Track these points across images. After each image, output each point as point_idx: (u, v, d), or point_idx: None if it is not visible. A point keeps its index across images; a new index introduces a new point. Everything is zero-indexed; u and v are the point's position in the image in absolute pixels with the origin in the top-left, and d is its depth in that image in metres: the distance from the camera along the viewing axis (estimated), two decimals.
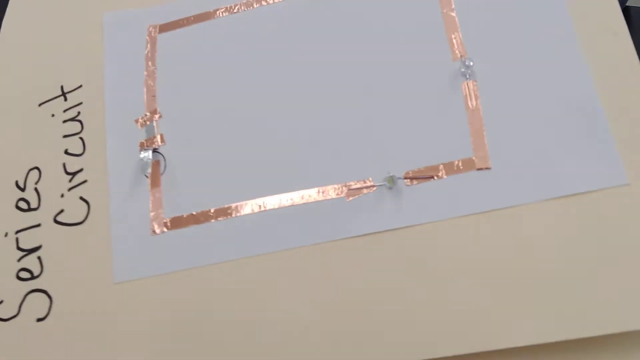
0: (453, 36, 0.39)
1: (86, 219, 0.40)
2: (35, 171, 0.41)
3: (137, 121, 0.41)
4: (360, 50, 0.40)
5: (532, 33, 0.38)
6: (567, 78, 0.37)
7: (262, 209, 0.38)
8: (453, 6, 0.40)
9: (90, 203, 0.40)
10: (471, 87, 0.38)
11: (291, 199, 0.38)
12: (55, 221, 0.40)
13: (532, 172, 0.35)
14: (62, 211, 0.40)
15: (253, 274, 0.36)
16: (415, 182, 0.37)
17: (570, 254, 0.33)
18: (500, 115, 0.37)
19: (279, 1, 0.43)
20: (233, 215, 0.38)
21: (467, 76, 0.38)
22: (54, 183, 0.41)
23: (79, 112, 0.42)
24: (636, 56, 0.36)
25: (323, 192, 0.37)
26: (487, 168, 0.36)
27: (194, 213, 0.38)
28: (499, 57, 0.38)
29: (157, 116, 0.41)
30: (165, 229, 0.38)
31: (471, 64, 0.37)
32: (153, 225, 0.39)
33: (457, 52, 0.39)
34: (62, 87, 0.43)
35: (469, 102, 0.37)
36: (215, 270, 0.37)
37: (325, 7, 0.42)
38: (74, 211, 0.40)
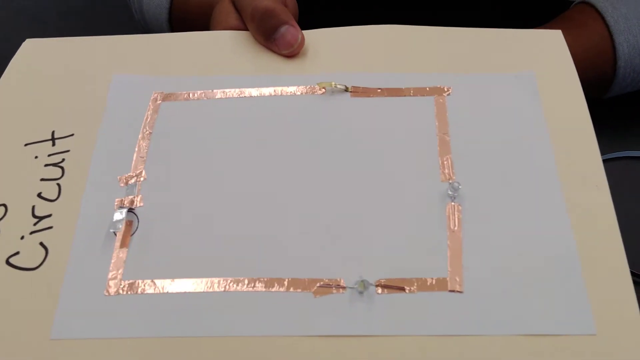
0: (445, 158, 0.41)
1: (40, 265, 0.38)
2: (2, 208, 0.40)
3: (120, 179, 0.41)
4: (351, 152, 0.41)
5: (518, 169, 0.40)
6: (548, 224, 0.38)
7: (226, 289, 0.36)
8: (449, 131, 0.42)
9: (50, 250, 0.38)
10: (455, 209, 0.39)
11: (257, 285, 0.36)
12: (7, 262, 0.38)
13: (503, 304, 0.35)
14: (17, 253, 0.38)
15: (200, 355, 0.34)
16: (386, 291, 0.36)
17: None
18: (480, 243, 0.37)
19: (286, 94, 0.44)
20: (192, 290, 0.36)
21: (453, 199, 0.39)
22: (17, 223, 0.39)
23: (63, 159, 0.42)
24: (613, 210, 0.38)
25: (291, 284, 0.36)
26: (459, 291, 0.36)
27: (154, 282, 0.37)
28: (486, 187, 0.39)
29: (142, 178, 0.41)
30: (121, 292, 0.36)
31: (459, 187, 0.39)
32: (109, 285, 0.37)
33: (446, 173, 0.40)
34: (52, 133, 0.43)
35: (451, 224, 0.38)
36: (166, 344, 0.35)
37: (324, 108, 0.44)
38: (30, 256, 0.38)
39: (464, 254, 0.37)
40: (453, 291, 0.36)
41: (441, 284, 0.36)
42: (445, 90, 0.44)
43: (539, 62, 0.45)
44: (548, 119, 0.42)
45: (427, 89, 0.44)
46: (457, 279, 0.36)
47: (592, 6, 0.56)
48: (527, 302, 0.35)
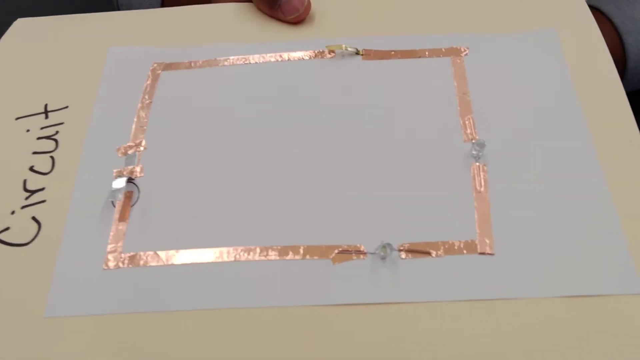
0: (466, 118, 0.38)
1: (33, 240, 0.35)
2: None
3: (118, 149, 0.38)
4: (366, 117, 0.39)
5: (546, 127, 0.37)
6: (581, 180, 0.35)
7: (236, 258, 0.33)
8: (469, 90, 0.39)
9: (43, 225, 0.35)
10: (480, 170, 0.36)
11: (269, 254, 0.33)
12: None
13: (538, 266, 0.32)
14: (7, 229, 0.35)
15: (214, 327, 0.31)
16: (410, 255, 0.33)
17: (570, 356, 0.30)
18: (510, 203, 0.35)
19: (294, 59, 0.42)
20: (199, 260, 0.33)
21: (478, 158, 0.36)
22: (7, 198, 0.36)
23: (57, 132, 0.39)
24: None
25: (307, 252, 0.33)
26: (490, 254, 0.33)
27: (157, 253, 0.34)
28: (511, 145, 0.37)
29: (141, 147, 0.38)
30: (121, 265, 0.33)
31: (484, 145, 0.36)
32: (108, 259, 0.34)
33: (469, 133, 0.37)
34: (45, 106, 0.40)
35: (477, 185, 0.35)
36: (172, 318, 0.32)
37: (334, 72, 0.41)
38: (22, 231, 0.35)
39: (492, 215, 0.34)
40: (483, 254, 0.33)
41: (470, 247, 0.33)
42: (462, 50, 0.41)
43: (559, 19, 0.43)
44: (573, 76, 0.40)
45: (443, 50, 0.41)
46: (487, 241, 0.33)
47: (598, 10, 0.55)
48: (564, 262, 0.32)
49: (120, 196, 0.35)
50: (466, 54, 0.41)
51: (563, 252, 0.33)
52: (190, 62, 0.42)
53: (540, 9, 0.44)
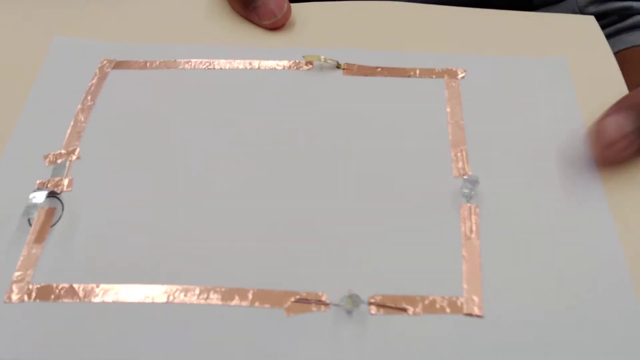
0: (458, 150, 0.33)
1: None
2: None
3: (46, 157, 0.32)
4: (343, 140, 0.33)
5: (550, 165, 0.32)
6: (588, 228, 0.30)
7: (170, 300, 0.27)
8: (464, 118, 0.34)
9: None
10: (472, 211, 0.30)
11: (211, 296, 0.27)
12: None
13: (536, 333, 0.27)
14: None
15: None
16: (382, 311, 0.27)
17: None
18: (505, 254, 0.29)
19: (265, 68, 0.36)
20: (127, 299, 0.27)
21: (469, 198, 0.31)
22: None
23: None
24: None
25: (256, 298, 0.27)
26: (478, 315, 0.27)
27: (73, 286, 0.28)
28: (509, 184, 0.31)
29: (74, 156, 0.32)
30: (26, 298, 0.27)
31: (477, 183, 0.30)
32: (12, 289, 0.27)
33: (460, 168, 0.32)
34: None
35: (467, 230, 0.30)
36: None
37: (310, 86, 0.35)
38: None
39: (483, 268, 0.29)
40: (470, 315, 0.27)
41: (454, 305, 0.27)
42: (459, 72, 0.36)
43: (570, 47, 0.38)
44: (583, 109, 0.34)
45: (437, 70, 0.36)
46: (475, 299, 0.28)
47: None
48: (567, 330, 0.27)
49: (35, 213, 0.29)
50: (463, 77, 0.36)
51: (566, 318, 0.27)
52: (146, 62, 0.36)
53: (551, 33, 0.39)
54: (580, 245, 0.29)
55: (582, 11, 0.49)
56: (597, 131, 0.32)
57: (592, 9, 0.48)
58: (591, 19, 0.39)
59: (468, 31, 0.39)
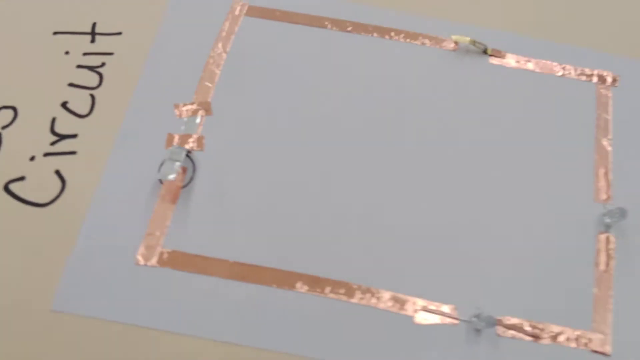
0: (602, 171, 0.31)
1: (52, 202, 0.28)
2: (9, 111, 0.29)
3: (177, 107, 0.30)
4: (478, 137, 0.31)
5: None
6: None
7: (299, 289, 0.27)
8: (610, 134, 0.32)
9: (68, 184, 0.28)
10: (609, 243, 0.29)
11: (337, 290, 0.27)
12: (7, 190, 0.27)
13: None
14: (22, 178, 0.28)
15: None
16: (509, 334, 0.27)
17: None
18: (636, 290, 0.28)
19: (410, 42, 0.34)
20: (255, 281, 0.27)
21: (608, 228, 0.29)
22: (27, 138, 0.29)
23: (103, 63, 0.31)
24: None
25: (390, 298, 0.27)
26: (604, 353, 0.27)
27: (206, 256, 0.27)
28: None
29: (207, 112, 0.30)
30: (156, 264, 0.27)
31: (623, 215, 0.29)
32: (141, 252, 0.27)
33: (602, 192, 0.30)
34: (93, 25, 0.32)
35: (602, 262, 0.29)
36: (197, 345, 0.25)
37: (452, 69, 0.33)
38: (40, 186, 0.28)
39: (615, 305, 0.28)
40: (596, 352, 0.27)
41: (581, 340, 0.27)
42: (612, 78, 0.34)
43: None
44: None
45: (589, 72, 0.34)
46: (603, 336, 0.27)
47: None
48: None
49: (173, 174, 0.28)
50: (615, 85, 0.33)
51: None
52: (285, 13, 0.34)
53: None
54: None
55: None
56: None
57: None
58: None
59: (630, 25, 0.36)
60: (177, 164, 0.28)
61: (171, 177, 0.28)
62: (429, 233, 0.29)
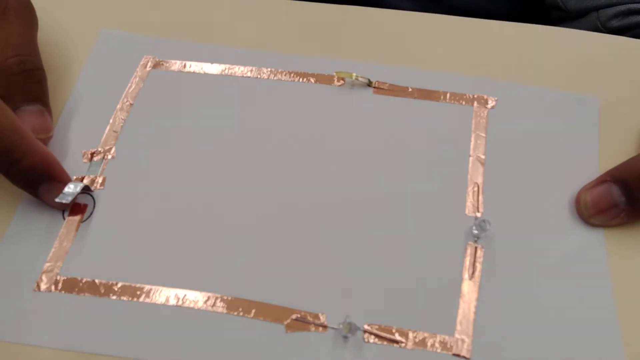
0: (474, 186, 0.33)
1: None
2: None
3: (84, 153, 0.35)
4: (365, 161, 0.34)
5: (566, 217, 0.32)
6: (588, 292, 0.30)
7: (179, 302, 0.30)
8: (485, 152, 0.34)
9: None
10: (477, 252, 0.31)
11: (214, 304, 0.30)
12: None
13: None
14: None
15: None
16: (375, 340, 0.29)
17: None
18: (502, 301, 0.30)
19: (296, 81, 0.37)
20: (141, 299, 0.30)
21: (477, 239, 0.31)
22: None
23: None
24: None
25: (260, 312, 0.30)
26: (465, 357, 0.29)
27: (95, 281, 0.30)
28: (520, 230, 0.32)
29: (110, 155, 0.34)
30: (53, 288, 0.30)
31: (487, 227, 0.31)
32: (41, 279, 0.31)
33: (473, 206, 0.33)
34: None
35: (468, 270, 0.31)
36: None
37: (340, 103, 0.36)
38: None
39: (478, 310, 0.30)
40: (458, 356, 0.29)
41: (444, 345, 0.29)
42: (490, 102, 0.36)
43: (602, 87, 0.37)
44: (603, 157, 0.34)
45: (467, 96, 0.36)
46: (465, 341, 0.29)
47: None
48: None
49: (69, 200, 0.31)
50: (493, 107, 0.36)
51: None
52: (185, 63, 0.38)
53: (585, 70, 0.38)
54: (575, 302, 0.30)
55: (604, 25, 0.47)
56: (581, 200, 0.32)
57: (615, 22, 0.47)
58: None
59: (505, 49, 0.39)
60: (73, 193, 0.32)
61: (68, 199, 0.31)
62: (305, 245, 0.31)
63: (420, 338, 0.29)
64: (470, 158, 0.34)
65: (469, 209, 0.33)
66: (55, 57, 0.38)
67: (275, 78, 0.37)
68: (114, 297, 0.30)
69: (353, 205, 0.33)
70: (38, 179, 0.32)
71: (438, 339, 0.29)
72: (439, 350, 0.29)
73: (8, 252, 0.31)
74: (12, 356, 0.29)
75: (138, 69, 0.38)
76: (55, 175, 0.32)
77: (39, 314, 0.30)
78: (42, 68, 0.34)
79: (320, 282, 0.31)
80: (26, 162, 0.31)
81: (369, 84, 0.37)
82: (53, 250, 0.31)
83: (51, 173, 0.32)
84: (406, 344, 0.29)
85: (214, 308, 0.30)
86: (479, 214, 0.32)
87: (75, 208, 0.33)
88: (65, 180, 0.32)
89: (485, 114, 0.36)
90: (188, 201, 0.33)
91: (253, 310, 0.30)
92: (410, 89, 0.37)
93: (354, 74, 0.37)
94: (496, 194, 0.33)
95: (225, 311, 0.30)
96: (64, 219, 0.32)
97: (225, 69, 0.38)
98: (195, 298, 0.30)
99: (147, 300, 0.30)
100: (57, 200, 0.31)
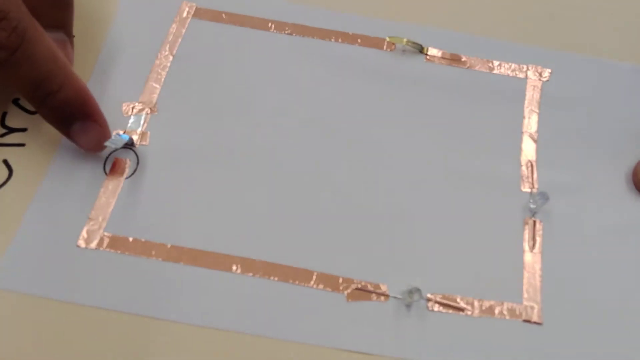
0: (527, 162, 0.33)
1: None
2: None
3: (125, 106, 0.33)
4: (414, 134, 0.33)
5: (624, 188, 0.32)
6: None
7: (234, 270, 0.29)
8: (538, 128, 0.34)
9: (15, 172, 0.30)
10: (536, 226, 0.31)
11: (272, 274, 0.29)
12: None
13: (597, 342, 0.28)
14: None
15: (188, 347, 0.27)
16: (440, 308, 0.29)
17: None
18: (567, 267, 0.30)
19: (358, 46, 0.36)
20: (191, 263, 0.29)
21: (534, 213, 0.31)
22: None
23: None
24: None
25: (319, 280, 0.29)
26: (537, 322, 0.29)
27: (143, 240, 0.29)
28: (577, 202, 0.32)
29: (152, 110, 0.33)
30: (97, 246, 0.29)
31: (545, 200, 0.31)
32: (83, 235, 0.29)
33: (528, 181, 0.32)
34: None
35: (529, 243, 0.31)
36: (142, 324, 0.27)
37: (389, 70, 0.35)
38: None
39: (544, 280, 0.30)
40: (528, 321, 0.29)
41: (513, 312, 0.29)
42: (544, 73, 0.36)
43: None
44: None
45: (522, 67, 0.36)
46: (535, 308, 0.29)
47: None
48: (625, 342, 0.28)
49: (120, 145, 0.30)
50: (547, 79, 0.36)
51: (626, 332, 0.29)
52: (229, 15, 0.36)
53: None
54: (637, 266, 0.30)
55: None
56: (638, 172, 0.32)
57: None
58: None
59: (561, 18, 0.38)
60: (117, 146, 0.30)
61: (114, 145, 0.30)
62: (363, 217, 0.31)
63: (487, 306, 0.29)
64: (523, 135, 0.34)
65: (524, 185, 0.32)
66: (86, 6, 0.36)
67: (320, 38, 0.36)
68: (165, 261, 0.29)
69: (406, 179, 0.32)
70: (73, 116, 0.29)
71: (505, 306, 0.29)
72: (507, 317, 0.28)
73: (46, 205, 0.29)
74: (55, 314, 0.27)
75: (177, 17, 0.36)
76: (92, 113, 0.30)
77: (82, 271, 0.28)
78: None
79: (381, 256, 0.30)
80: (63, 94, 0.29)
81: (421, 51, 0.36)
82: (95, 206, 0.30)
83: (88, 111, 0.30)
84: (472, 312, 0.28)
85: (272, 277, 0.29)
86: (534, 190, 0.32)
87: (117, 164, 0.31)
88: (101, 121, 0.30)
89: (539, 87, 0.36)
90: (239, 162, 0.32)
91: (313, 278, 0.29)
92: (463, 58, 0.36)
93: (405, 40, 0.36)
94: (551, 170, 0.33)
95: (282, 280, 0.29)
96: (106, 174, 0.31)
97: (274, 25, 0.36)
98: (251, 265, 0.29)
99: (200, 265, 0.29)
100: (106, 144, 0.29)
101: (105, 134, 0.30)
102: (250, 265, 0.29)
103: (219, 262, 0.29)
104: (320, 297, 0.28)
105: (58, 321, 0.27)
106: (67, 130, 0.30)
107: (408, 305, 0.29)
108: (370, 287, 0.29)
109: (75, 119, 0.30)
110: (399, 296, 0.29)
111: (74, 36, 0.33)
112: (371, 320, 0.28)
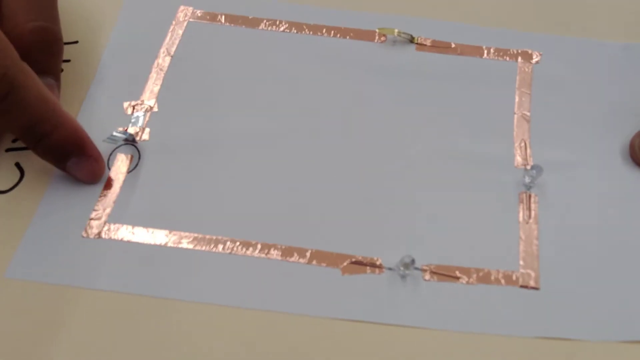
0: (521, 141, 0.34)
1: (11, 189, 0.32)
2: None
3: (127, 105, 0.35)
4: (409, 119, 0.35)
5: (615, 165, 0.34)
6: None
7: (233, 251, 0.31)
8: (530, 108, 0.36)
9: (26, 174, 0.33)
10: (530, 200, 0.32)
11: (271, 252, 0.31)
12: None
13: (593, 304, 0.29)
14: None
15: (194, 323, 0.29)
16: (435, 277, 0.30)
17: None
18: (562, 235, 0.31)
19: (350, 39, 0.39)
20: (191, 246, 0.31)
21: (529, 188, 0.33)
22: None
23: (61, 69, 0.36)
24: None
25: (314, 257, 0.30)
26: (534, 287, 0.29)
27: (144, 229, 0.31)
28: (570, 176, 0.33)
29: (152, 107, 0.35)
30: (102, 236, 0.31)
31: (537, 176, 0.32)
32: (90, 225, 0.31)
33: (521, 159, 0.34)
34: None
35: (525, 216, 0.32)
36: (146, 304, 0.29)
37: (382, 60, 0.38)
38: (1, 176, 0.33)
39: (541, 246, 0.31)
40: (525, 287, 0.29)
41: (510, 279, 0.30)
42: (534, 56, 0.38)
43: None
44: None
45: (512, 51, 0.38)
46: (532, 274, 0.30)
47: None
48: (623, 302, 0.29)
49: (119, 142, 0.32)
50: (537, 62, 0.37)
51: (622, 295, 0.30)
52: (224, 16, 0.39)
53: (633, 18, 0.40)
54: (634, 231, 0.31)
55: None
56: (635, 144, 0.34)
57: None
58: None
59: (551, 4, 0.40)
60: (120, 136, 0.33)
61: (117, 138, 0.33)
62: (359, 198, 0.32)
63: (483, 274, 0.30)
64: (515, 115, 0.35)
65: (517, 162, 0.34)
66: (91, 4, 0.39)
67: (313, 34, 0.39)
68: (163, 244, 0.31)
69: (402, 160, 0.34)
70: (68, 153, 0.31)
71: (502, 273, 0.30)
72: (503, 284, 0.29)
73: (54, 200, 0.32)
74: (60, 298, 0.29)
75: (175, 20, 0.39)
76: (86, 148, 0.32)
77: (89, 259, 0.30)
78: (61, 38, 0.34)
79: (375, 232, 0.31)
80: (56, 135, 0.31)
81: (412, 40, 0.38)
82: (100, 198, 0.32)
83: (81, 146, 0.32)
84: (468, 280, 0.30)
85: (269, 255, 0.30)
86: (528, 167, 0.33)
87: (120, 159, 0.33)
88: (95, 155, 0.32)
89: (530, 70, 0.37)
90: (229, 153, 0.34)
91: (308, 256, 0.30)
92: (453, 45, 0.38)
93: (396, 30, 0.38)
94: (545, 147, 0.34)
95: (280, 258, 0.30)
96: (109, 169, 0.33)
97: (269, 24, 0.39)
98: (249, 248, 0.31)
99: (199, 247, 0.31)
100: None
101: (99, 165, 0.32)
102: (247, 245, 0.31)
103: (217, 243, 0.31)
104: (316, 273, 0.30)
105: (69, 306, 0.29)
106: (63, 166, 0.32)
107: (403, 276, 0.30)
108: (364, 261, 0.30)
109: (70, 156, 0.32)
110: (393, 267, 0.30)
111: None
112: (366, 291, 0.29)
